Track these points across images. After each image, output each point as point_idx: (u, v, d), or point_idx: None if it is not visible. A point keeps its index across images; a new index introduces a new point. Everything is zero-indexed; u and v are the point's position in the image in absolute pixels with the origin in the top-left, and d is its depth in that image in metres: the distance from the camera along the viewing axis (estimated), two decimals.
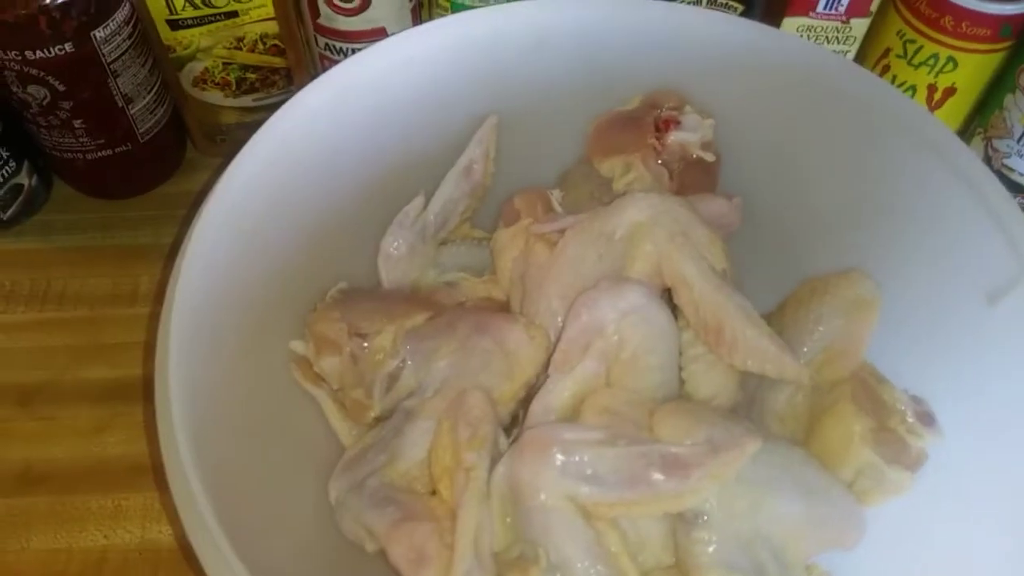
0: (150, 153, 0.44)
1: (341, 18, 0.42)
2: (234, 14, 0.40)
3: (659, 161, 0.37)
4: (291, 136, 0.33)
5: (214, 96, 0.44)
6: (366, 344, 0.31)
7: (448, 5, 0.42)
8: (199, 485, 0.25)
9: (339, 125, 0.35)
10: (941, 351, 0.33)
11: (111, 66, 0.39)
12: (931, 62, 0.42)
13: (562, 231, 0.35)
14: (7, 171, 0.42)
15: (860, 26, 0.44)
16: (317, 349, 0.32)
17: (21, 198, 0.44)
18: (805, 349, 0.34)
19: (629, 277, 0.32)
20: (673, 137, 0.37)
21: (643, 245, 0.33)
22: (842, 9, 0.43)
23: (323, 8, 0.42)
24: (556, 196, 0.38)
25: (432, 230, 0.38)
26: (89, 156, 0.42)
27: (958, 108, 0.44)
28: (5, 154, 0.42)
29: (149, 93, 0.42)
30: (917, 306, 0.34)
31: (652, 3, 0.39)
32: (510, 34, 0.38)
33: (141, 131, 0.43)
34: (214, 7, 0.39)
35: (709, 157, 0.38)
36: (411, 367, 0.31)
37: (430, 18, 0.44)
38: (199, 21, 0.40)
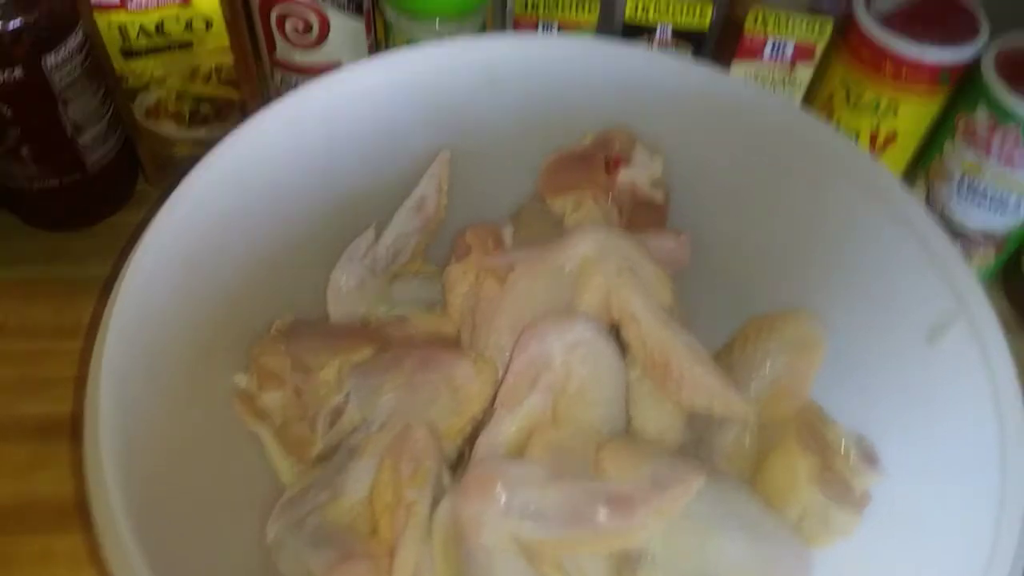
0: (99, 184, 0.43)
1: (298, 52, 0.42)
2: (188, 45, 0.40)
3: (609, 199, 0.38)
4: (240, 163, 0.33)
5: (167, 127, 0.43)
6: (310, 378, 0.31)
7: (404, 41, 0.42)
8: (128, 528, 0.24)
9: (290, 154, 0.35)
10: (886, 391, 0.33)
11: (62, 94, 0.39)
12: (873, 107, 0.43)
13: (512, 265, 0.35)
14: None
15: (805, 72, 0.45)
16: (260, 383, 0.31)
17: None
18: (752, 386, 0.34)
19: (577, 310, 0.33)
20: (623, 175, 0.38)
21: (592, 279, 0.33)
22: (788, 55, 0.44)
23: (279, 42, 0.42)
24: (508, 231, 0.38)
25: (383, 264, 0.38)
26: (36, 186, 0.42)
27: (900, 153, 0.45)
28: None
29: (100, 122, 0.42)
30: (861, 346, 0.34)
31: (604, 44, 0.39)
32: (462, 70, 0.38)
33: (90, 161, 0.42)
34: (168, 37, 0.39)
35: (658, 195, 0.38)
36: (356, 402, 0.31)
37: None
38: (153, 51, 0.40)
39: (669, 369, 0.32)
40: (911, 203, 0.33)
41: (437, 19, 0.41)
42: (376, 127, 0.37)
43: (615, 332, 0.33)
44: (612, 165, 0.38)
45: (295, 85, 0.44)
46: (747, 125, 0.37)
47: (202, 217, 0.31)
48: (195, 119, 0.43)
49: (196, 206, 0.31)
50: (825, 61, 0.44)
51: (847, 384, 0.34)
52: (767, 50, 0.44)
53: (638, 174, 0.38)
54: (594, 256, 0.33)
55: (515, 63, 0.39)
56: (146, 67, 0.40)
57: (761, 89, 0.43)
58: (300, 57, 0.43)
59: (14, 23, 0.35)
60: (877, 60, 0.41)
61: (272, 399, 0.31)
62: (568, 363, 0.30)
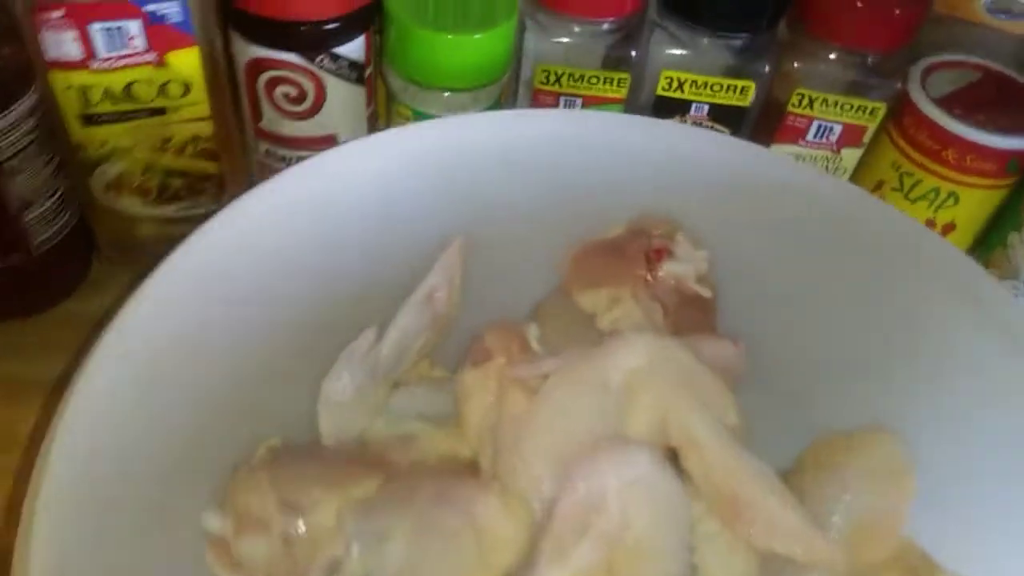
0: (47, 267, 0.37)
1: (288, 122, 0.37)
2: (161, 111, 0.34)
3: (651, 296, 0.33)
4: (221, 252, 0.27)
5: (130, 204, 0.37)
6: (301, 522, 0.24)
7: (409, 113, 0.37)
8: None
9: (279, 244, 0.29)
10: (991, 526, 0.28)
11: (7, 164, 0.33)
12: (930, 196, 0.39)
13: (544, 376, 0.29)
14: None
15: (852, 157, 0.41)
16: (238, 527, 0.25)
17: None
18: (832, 523, 0.28)
19: (629, 437, 0.27)
20: (666, 269, 0.33)
21: (643, 396, 0.27)
22: (834, 138, 0.40)
23: (267, 110, 0.37)
24: (533, 332, 0.33)
25: (385, 368, 0.32)
26: None
27: (957, 245, 0.40)
28: None
29: (50, 198, 0.36)
30: (955, 471, 0.29)
31: (640, 120, 0.35)
32: (477, 147, 0.33)
33: (37, 241, 0.36)
34: (138, 102, 0.34)
35: (706, 292, 0.33)
36: (358, 552, 0.25)
37: (388, 127, 0.39)
38: (118, 117, 0.34)
39: (738, 503, 0.26)
40: (1011, 305, 0.29)
41: (448, 90, 0.37)
42: (380, 212, 0.32)
43: (671, 459, 0.27)
44: (654, 257, 0.33)
45: (284, 159, 0.39)
46: (803, 212, 0.32)
47: (173, 316, 0.26)
48: (164, 195, 0.38)
49: (166, 303, 0.25)
50: (874, 145, 0.40)
51: (936, 515, 0.29)
52: (811, 132, 0.40)
53: (682, 268, 0.33)
54: (645, 368, 0.28)
55: (536, 140, 0.34)
56: (109, 135, 0.35)
57: (819, 170, 0.39)
58: (290, 128, 0.37)
59: None
60: (938, 146, 0.37)
61: (253, 547, 0.24)
62: (625, 506, 0.24)
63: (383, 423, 0.31)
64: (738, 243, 0.34)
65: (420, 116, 0.37)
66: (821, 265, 0.32)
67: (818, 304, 0.33)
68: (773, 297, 0.33)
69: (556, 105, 0.40)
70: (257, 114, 0.37)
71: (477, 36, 0.35)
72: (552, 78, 0.39)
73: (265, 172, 0.40)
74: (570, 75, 0.38)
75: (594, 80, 0.39)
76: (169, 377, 0.25)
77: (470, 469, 0.30)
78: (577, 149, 0.34)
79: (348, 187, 0.31)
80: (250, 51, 0.35)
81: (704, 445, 0.27)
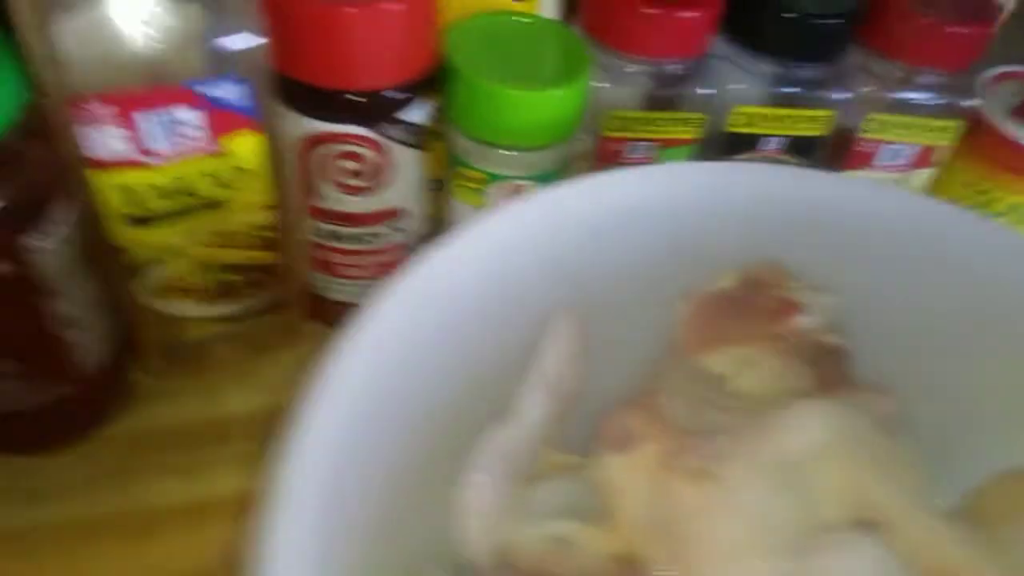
0: (93, 391, 0.33)
1: (349, 198, 0.34)
2: (217, 203, 0.31)
3: (788, 353, 0.30)
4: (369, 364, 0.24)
5: (183, 306, 0.33)
6: None
7: (479, 175, 0.34)
8: None
9: (405, 339, 0.26)
10: None
11: (50, 284, 0.29)
12: (1012, 214, 0.38)
13: (714, 459, 0.27)
14: None
15: (922, 178, 0.40)
16: None
17: None
18: None
19: (826, 522, 0.25)
20: (799, 322, 0.31)
21: (829, 475, 0.25)
22: (905, 160, 0.39)
23: (324, 187, 0.34)
24: (668, 405, 0.30)
25: (520, 463, 0.29)
26: (17, 406, 0.31)
27: None
28: None
29: (98, 314, 0.31)
30: None
31: (746, 167, 0.33)
32: (579, 213, 0.31)
33: (84, 365, 0.32)
34: (193, 196, 0.30)
35: (840, 342, 0.31)
36: None
37: (451, 192, 0.36)
38: (170, 215, 0.30)
39: None
40: None
41: (523, 149, 0.34)
42: (492, 290, 0.29)
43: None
44: (784, 310, 0.31)
45: (339, 237, 0.35)
46: (920, 244, 0.31)
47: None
48: (220, 293, 0.34)
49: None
50: (944, 164, 0.39)
51: None
52: (882, 156, 0.39)
53: (813, 318, 0.31)
54: (826, 441, 0.26)
55: (640, 198, 0.31)
56: (159, 235, 0.31)
57: (933, 199, 0.38)
58: (351, 204, 0.34)
59: None
60: (1015, 160, 0.37)
61: None
62: None
63: (530, 527, 0.28)
64: (855, 284, 0.32)
65: (491, 177, 0.34)
66: (951, 301, 0.31)
67: (954, 343, 0.31)
68: (900, 338, 0.32)
69: (623, 151, 0.37)
70: (312, 193, 0.34)
71: (556, 92, 0.32)
72: (620, 123, 0.36)
73: (322, 254, 0.36)
74: (641, 119, 0.36)
75: (667, 122, 0.36)
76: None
77: (636, 569, 0.27)
78: (682, 202, 0.32)
79: (466, 261, 0.28)
80: (306, 126, 0.32)
81: (906, 521, 0.25)
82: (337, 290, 0.38)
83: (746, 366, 0.31)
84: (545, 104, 0.33)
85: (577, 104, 0.34)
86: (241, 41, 0.27)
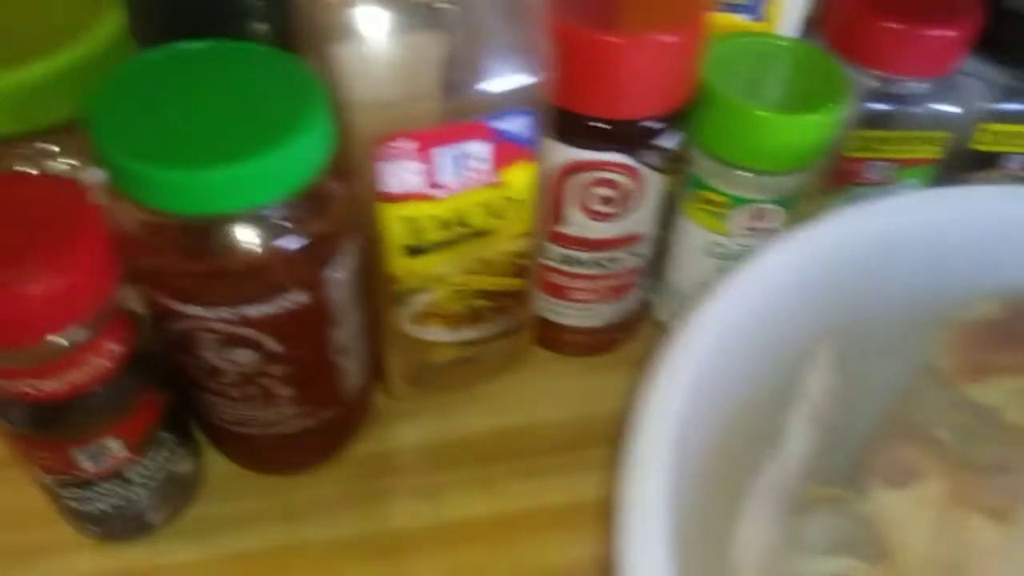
0: (349, 414, 0.33)
1: (596, 224, 0.34)
2: (487, 233, 0.31)
3: None
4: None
5: (435, 332, 0.34)
6: None
7: (722, 198, 0.34)
8: None
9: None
10: None
11: (336, 313, 0.29)
12: None
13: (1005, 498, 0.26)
14: (169, 458, 0.31)
15: None
16: None
17: (177, 491, 0.32)
18: None
19: None
20: None
21: None
22: None
23: (573, 214, 0.34)
24: (945, 437, 0.29)
25: (791, 497, 0.28)
26: (284, 430, 0.31)
27: None
28: (167, 437, 0.31)
29: (362, 340, 0.32)
30: None
31: (997, 189, 0.32)
32: (856, 239, 0.30)
33: (348, 388, 0.32)
34: (468, 226, 0.30)
35: None
36: None
37: (682, 219, 0.36)
38: (445, 245, 0.31)
39: None
40: None
41: (775, 173, 0.33)
42: (763, 321, 0.29)
43: None
44: None
45: (577, 262, 0.35)
46: None
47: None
48: (470, 318, 0.34)
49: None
50: None
51: None
52: None
53: None
54: None
55: (902, 225, 0.31)
56: (428, 264, 0.31)
57: None
58: (597, 230, 0.34)
59: (296, 241, 0.26)
60: None
61: None
62: None
63: (807, 563, 0.28)
64: None
65: (734, 200, 0.34)
66: None
67: None
68: None
69: (860, 171, 0.37)
70: (558, 218, 0.34)
71: (815, 117, 0.32)
72: (861, 143, 0.35)
73: (555, 279, 0.36)
74: (882, 139, 0.35)
75: (910, 142, 0.35)
76: None
77: None
78: (951, 228, 0.31)
79: (751, 289, 0.28)
80: (566, 154, 0.32)
81: None
82: (562, 314, 0.38)
83: (1020, 398, 0.30)
84: (804, 128, 0.32)
85: (833, 128, 0.33)
86: (532, 74, 0.27)
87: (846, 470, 0.32)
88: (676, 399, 0.24)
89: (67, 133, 0.27)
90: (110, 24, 0.27)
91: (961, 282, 0.32)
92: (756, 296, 0.28)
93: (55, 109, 0.26)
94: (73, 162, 0.27)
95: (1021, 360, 0.30)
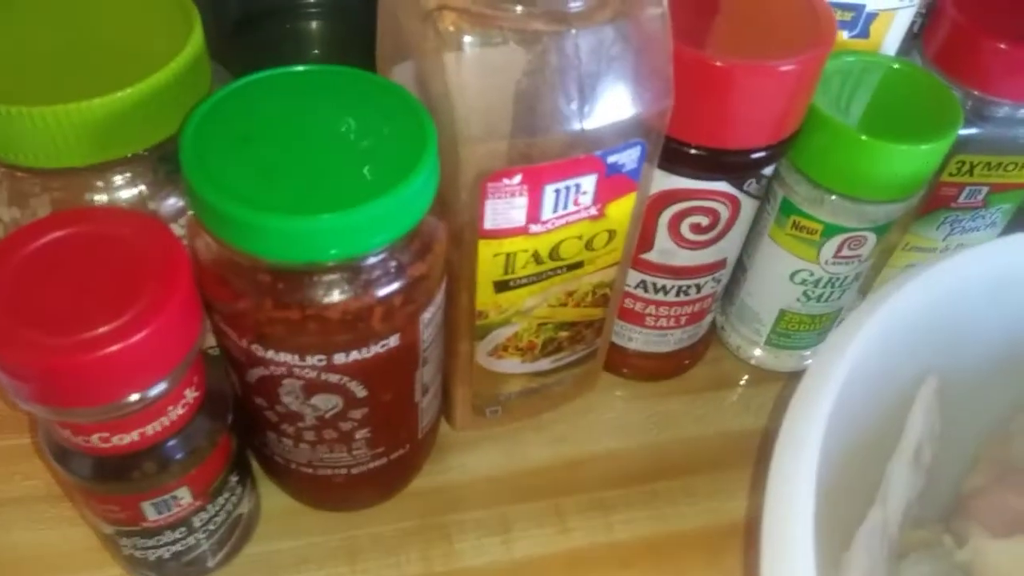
0: (422, 448, 0.32)
1: (684, 251, 0.32)
2: (578, 265, 0.29)
3: None
4: None
5: (508, 364, 0.32)
6: None
7: (816, 225, 0.32)
8: None
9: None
10: None
11: (424, 353, 0.27)
12: None
13: None
14: (232, 501, 0.29)
15: None
16: None
17: (237, 532, 0.30)
18: None
19: None
20: None
21: None
22: None
23: (662, 241, 0.32)
24: None
25: (895, 544, 0.27)
26: (356, 470, 0.29)
27: None
28: (234, 480, 0.28)
29: (439, 375, 0.30)
30: None
31: None
32: (964, 286, 0.29)
33: (423, 425, 0.30)
34: (561, 260, 0.28)
35: None
36: None
37: (758, 240, 0.34)
38: (534, 279, 0.28)
39: None
40: None
41: (878, 202, 0.31)
42: (884, 366, 0.27)
43: None
44: None
45: (659, 289, 0.33)
46: None
47: None
48: (547, 348, 0.32)
49: None
50: None
51: None
52: None
53: None
54: None
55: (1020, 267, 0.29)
56: (517, 298, 0.29)
57: None
58: (685, 257, 0.32)
59: (396, 286, 0.24)
60: None
61: None
62: None
63: None
64: None
65: (829, 228, 0.32)
66: None
67: None
68: None
69: (959, 196, 0.35)
70: (646, 245, 0.32)
71: (924, 147, 0.30)
72: (965, 168, 0.34)
73: (635, 305, 0.34)
74: (987, 164, 0.34)
75: (1011, 167, 0.34)
76: None
77: None
78: None
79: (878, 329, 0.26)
80: (667, 182, 0.30)
81: None
82: (632, 339, 0.36)
83: None
84: (911, 157, 0.30)
85: (940, 158, 0.31)
86: (650, 105, 0.25)
87: (940, 509, 0.31)
88: (814, 447, 0.23)
89: (139, 160, 0.24)
90: (192, 50, 0.24)
91: None
92: (876, 342, 0.26)
93: (133, 139, 0.23)
94: (144, 190, 0.24)
95: None
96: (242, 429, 0.28)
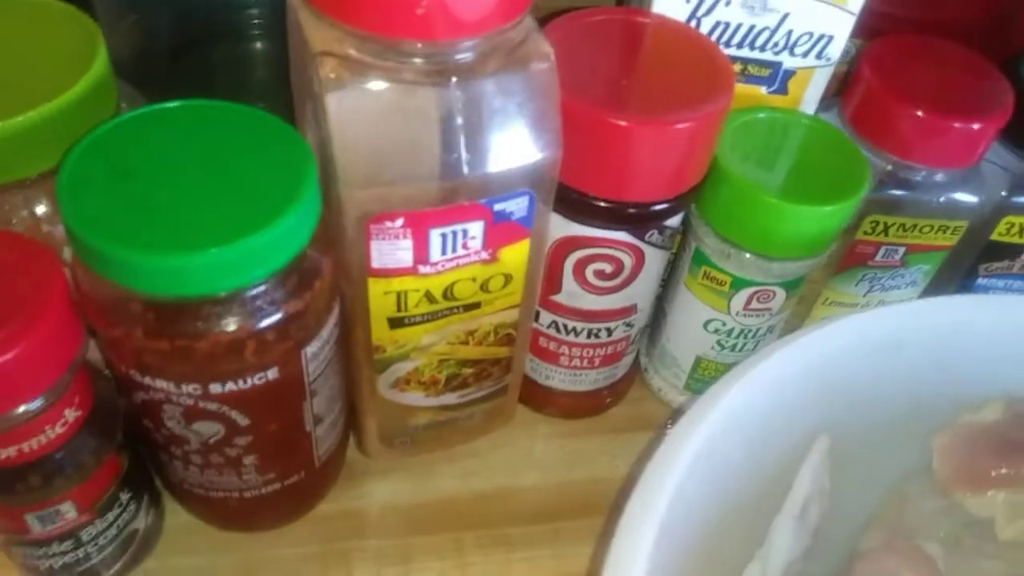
0: (320, 474, 0.32)
1: (593, 297, 0.32)
2: (475, 306, 0.29)
3: None
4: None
5: (412, 397, 0.32)
6: None
7: (725, 277, 0.33)
8: None
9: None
10: None
11: (311, 386, 0.28)
12: None
13: None
14: (124, 517, 0.29)
15: None
16: None
17: (133, 547, 0.31)
18: None
19: None
20: None
21: None
22: None
23: (568, 285, 0.32)
24: (936, 551, 0.28)
25: None
26: (248, 494, 0.30)
27: None
28: (125, 497, 0.29)
29: (336, 405, 0.30)
30: None
31: (1006, 298, 0.31)
32: (866, 341, 0.29)
33: (320, 453, 0.31)
34: (455, 300, 0.29)
35: None
36: None
37: (675, 285, 0.34)
38: (430, 317, 0.29)
39: None
40: None
41: (784, 259, 0.32)
42: (765, 417, 0.28)
43: None
44: None
45: (569, 331, 0.34)
46: None
47: None
48: (451, 384, 0.32)
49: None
50: None
51: None
52: None
53: None
54: None
55: (921, 329, 0.29)
56: (413, 335, 0.29)
57: None
58: (591, 302, 0.32)
59: (274, 319, 0.24)
60: None
61: None
62: None
63: None
64: None
65: (738, 281, 0.32)
66: None
67: None
68: None
69: (876, 254, 0.35)
70: (554, 288, 0.32)
71: (830, 207, 0.30)
72: (880, 227, 0.34)
73: (547, 344, 0.35)
74: (901, 225, 0.34)
75: (926, 229, 0.34)
76: None
77: None
78: (958, 334, 0.30)
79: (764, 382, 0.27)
80: (569, 230, 0.30)
81: None
82: (551, 377, 0.36)
83: (1017, 514, 0.29)
84: (816, 218, 0.30)
85: (847, 216, 0.31)
86: (536, 155, 0.26)
87: (831, 568, 0.31)
88: (664, 499, 0.23)
89: (35, 184, 0.25)
90: (94, 75, 0.25)
91: (964, 387, 0.31)
92: (759, 396, 0.27)
93: (29, 163, 0.24)
94: (39, 213, 0.25)
95: (1018, 471, 0.29)
96: (140, 447, 0.29)
